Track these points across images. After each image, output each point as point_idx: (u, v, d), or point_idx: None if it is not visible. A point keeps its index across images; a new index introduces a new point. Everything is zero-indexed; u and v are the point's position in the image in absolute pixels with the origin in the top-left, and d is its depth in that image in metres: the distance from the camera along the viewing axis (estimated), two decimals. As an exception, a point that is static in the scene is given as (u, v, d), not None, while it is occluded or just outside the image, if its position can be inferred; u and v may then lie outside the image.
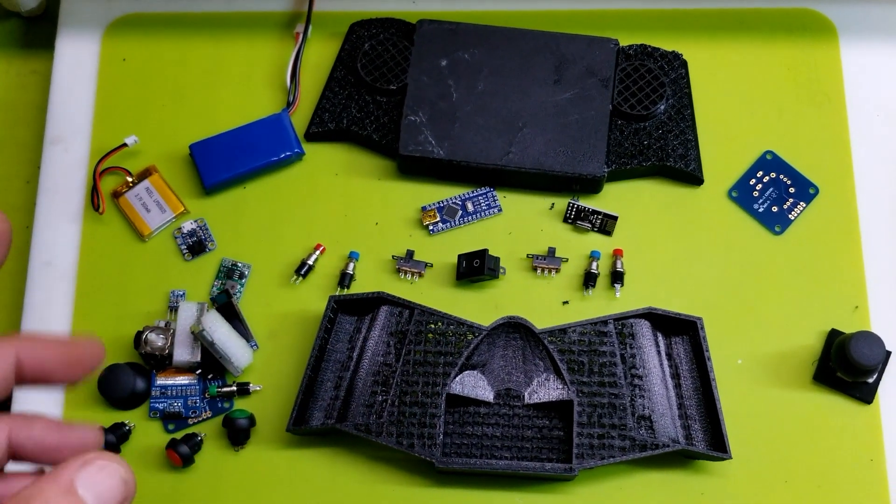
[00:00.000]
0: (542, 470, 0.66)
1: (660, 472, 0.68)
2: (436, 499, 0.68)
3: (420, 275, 0.73)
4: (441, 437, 0.66)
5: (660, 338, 0.70)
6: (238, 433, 0.68)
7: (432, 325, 0.69)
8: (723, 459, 0.67)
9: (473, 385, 0.68)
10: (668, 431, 0.67)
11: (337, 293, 0.72)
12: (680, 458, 0.69)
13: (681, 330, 0.70)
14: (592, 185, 0.74)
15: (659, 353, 0.70)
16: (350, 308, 0.71)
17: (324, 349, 0.69)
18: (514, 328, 0.69)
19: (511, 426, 0.68)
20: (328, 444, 0.69)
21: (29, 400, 0.70)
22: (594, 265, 0.73)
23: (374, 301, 0.70)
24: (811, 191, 0.75)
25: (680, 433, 0.68)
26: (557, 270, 0.73)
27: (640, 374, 0.68)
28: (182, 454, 0.67)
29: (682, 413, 0.68)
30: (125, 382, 0.69)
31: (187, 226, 0.74)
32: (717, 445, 0.67)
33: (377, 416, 0.67)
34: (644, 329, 0.70)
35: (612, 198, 0.75)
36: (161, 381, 0.70)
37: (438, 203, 0.75)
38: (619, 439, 0.66)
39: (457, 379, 0.68)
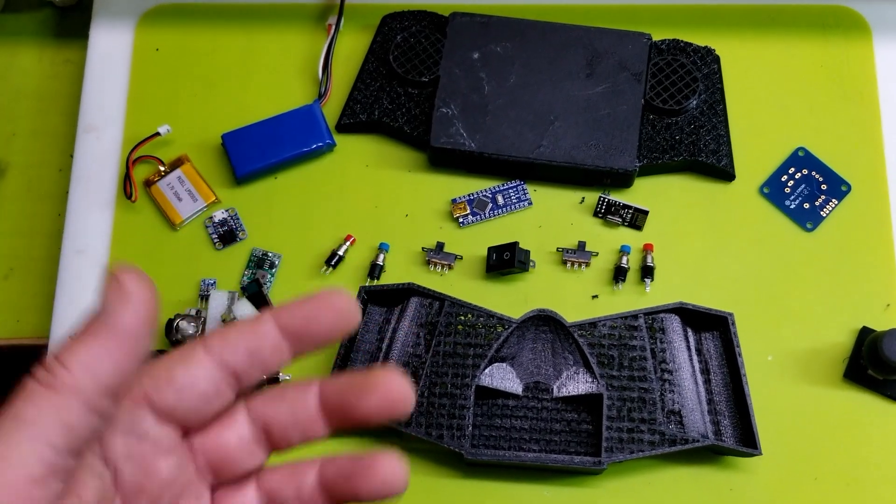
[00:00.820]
0: (570, 463, 0.66)
1: (689, 467, 0.68)
2: (464, 490, 0.68)
3: (450, 267, 0.73)
4: (470, 428, 0.66)
5: (690, 333, 0.70)
6: (267, 422, 0.69)
7: (462, 317, 0.69)
8: (752, 455, 0.66)
9: (502, 377, 0.68)
10: (698, 426, 0.67)
11: (367, 284, 0.72)
12: (709, 454, 0.68)
13: (711, 325, 0.70)
14: (623, 180, 0.74)
15: (689, 348, 0.69)
16: (380, 299, 0.71)
17: (353, 339, 0.69)
18: (543, 321, 0.69)
19: (540, 419, 0.68)
20: (356, 435, 0.69)
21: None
22: (624, 259, 0.72)
23: (404, 292, 0.70)
24: (843, 188, 0.75)
25: (709, 428, 0.67)
26: (587, 264, 0.73)
27: (670, 368, 0.68)
28: (212, 442, 0.68)
29: (711, 409, 0.68)
30: (156, 369, 0.69)
31: (218, 215, 0.75)
32: (747, 441, 0.67)
33: (406, 407, 0.67)
34: (674, 324, 0.69)
35: (643, 192, 0.75)
36: (191, 368, 0.70)
37: (469, 195, 0.75)
38: (649, 434, 0.66)
39: (486, 371, 0.68)
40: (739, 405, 0.68)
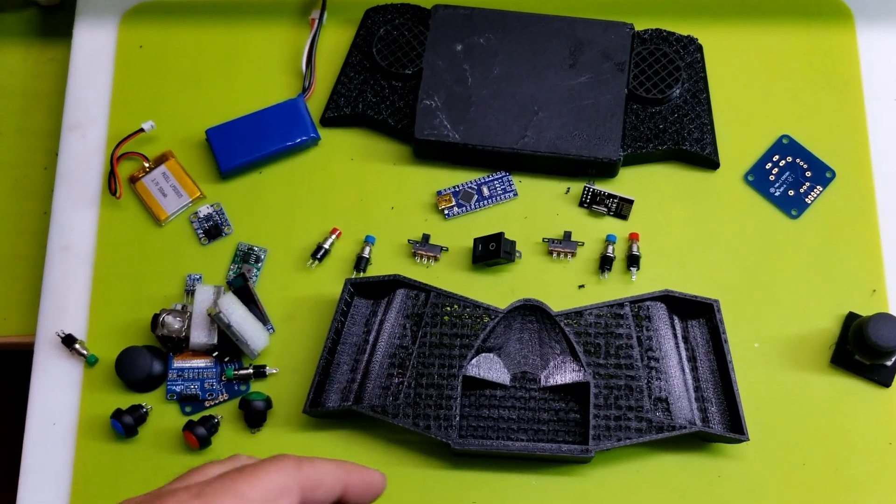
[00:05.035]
0: (558, 452, 0.66)
1: (676, 454, 0.68)
2: (452, 480, 0.68)
3: (436, 259, 0.73)
4: (457, 418, 0.66)
5: (676, 321, 0.70)
6: (254, 415, 0.68)
7: (448, 308, 0.69)
8: (740, 441, 0.66)
9: (489, 367, 0.68)
10: (685, 413, 0.67)
11: (353, 276, 0.72)
12: (697, 441, 0.68)
13: (697, 313, 0.70)
14: (608, 169, 0.74)
15: (675, 335, 0.69)
16: (366, 291, 0.71)
17: (340, 332, 0.69)
18: (530, 311, 0.69)
19: (527, 408, 0.68)
20: (344, 426, 0.69)
21: (46, 388, 0.71)
22: (610, 249, 0.72)
23: (391, 284, 0.70)
24: (828, 174, 0.75)
25: (696, 415, 0.67)
26: (573, 254, 0.73)
27: (656, 356, 0.68)
28: (199, 436, 0.67)
29: (698, 395, 0.68)
30: (142, 365, 0.69)
31: (203, 210, 0.74)
32: (735, 427, 0.67)
33: (393, 398, 0.67)
34: (660, 312, 0.69)
35: (628, 182, 0.75)
36: (178, 363, 0.70)
37: (454, 187, 0.75)
38: (636, 421, 0.66)
39: (473, 361, 0.68)
40: (726, 392, 0.68)
